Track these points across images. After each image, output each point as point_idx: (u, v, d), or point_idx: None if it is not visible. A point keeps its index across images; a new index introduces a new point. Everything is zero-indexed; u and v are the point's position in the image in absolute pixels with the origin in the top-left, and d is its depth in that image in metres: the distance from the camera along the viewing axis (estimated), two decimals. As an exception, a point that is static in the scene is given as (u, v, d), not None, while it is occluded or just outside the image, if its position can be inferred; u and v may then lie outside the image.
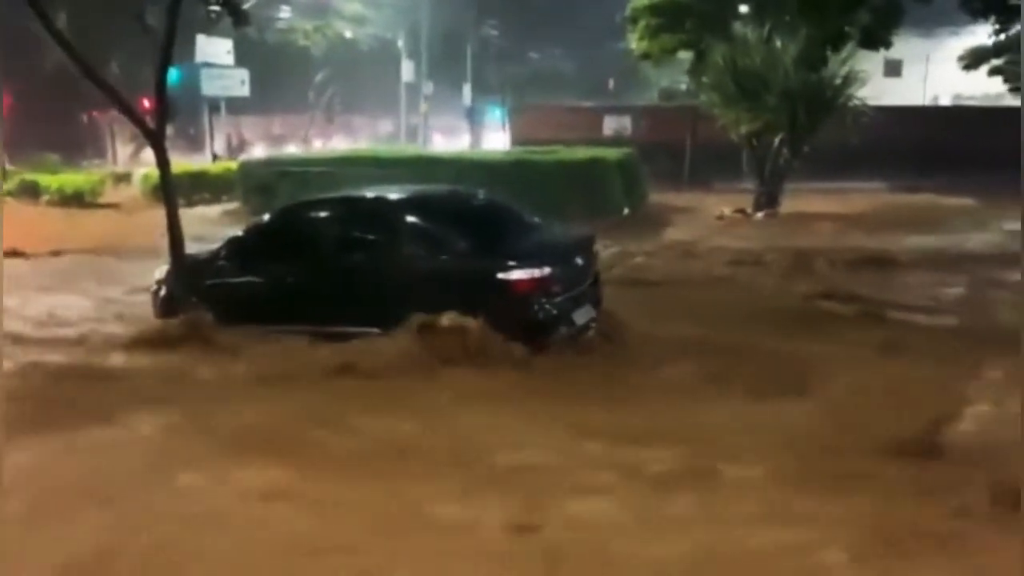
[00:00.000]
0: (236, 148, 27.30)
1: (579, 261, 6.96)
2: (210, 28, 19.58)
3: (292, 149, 31.02)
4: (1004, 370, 5.84)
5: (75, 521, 3.90)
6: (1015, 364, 5.75)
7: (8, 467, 4.24)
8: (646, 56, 19.07)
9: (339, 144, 33.70)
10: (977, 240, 12.51)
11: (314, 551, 3.64)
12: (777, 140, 16.41)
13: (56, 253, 12.15)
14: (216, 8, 10.19)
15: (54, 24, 7.70)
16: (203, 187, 18.84)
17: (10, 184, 19.84)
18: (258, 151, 28.88)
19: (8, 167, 21.38)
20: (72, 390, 5.83)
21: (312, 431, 5.00)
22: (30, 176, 20.09)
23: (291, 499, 4.12)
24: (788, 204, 16.37)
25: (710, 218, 15.93)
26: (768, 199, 16.45)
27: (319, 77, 37.82)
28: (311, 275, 6.93)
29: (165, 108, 8.20)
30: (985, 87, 20.32)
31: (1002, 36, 19.49)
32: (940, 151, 20.25)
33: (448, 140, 36.76)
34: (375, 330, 6.48)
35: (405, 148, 25.82)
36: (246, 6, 11.80)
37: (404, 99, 36.91)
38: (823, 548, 3.54)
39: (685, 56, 18.94)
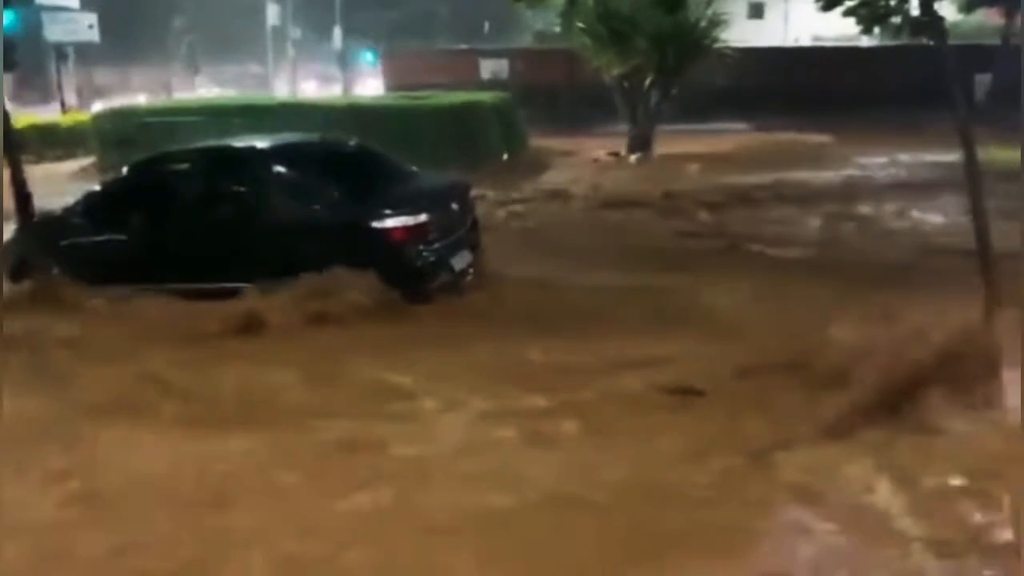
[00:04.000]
0: (88, 98, 25.50)
1: (455, 207, 6.94)
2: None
3: (152, 99, 29.27)
4: (856, 297, 6.22)
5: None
6: (866, 292, 6.15)
7: None
8: (519, -2, 18.91)
9: (204, 93, 32.06)
10: (834, 176, 13.20)
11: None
12: (647, 83, 16.70)
13: None
14: None
15: None
16: (54, 142, 17.58)
17: None
18: (116, 102, 27.10)
19: None
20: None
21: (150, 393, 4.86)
22: None
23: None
24: (660, 146, 16.77)
25: (587, 161, 16.14)
26: (641, 141, 16.79)
27: (177, 22, 35.67)
28: (177, 231, 6.65)
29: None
30: (841, 28, 21.29)
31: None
32: (801, 91, 21.15)
33: (319, 87, 35.56)
34: (247, 286, 6.28)
35: (273, 96, 24.84)
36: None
37: (271, 45, 35.37)
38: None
39: (558, -2, 18.90)
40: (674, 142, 16.89)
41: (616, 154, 16.53)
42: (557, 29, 27.15)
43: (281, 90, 32.88)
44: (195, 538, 3.36)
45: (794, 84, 21.56)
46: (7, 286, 6.74)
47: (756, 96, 20.52)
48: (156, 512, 3.56)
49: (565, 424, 4.28)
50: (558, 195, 12.30)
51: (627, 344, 5.38)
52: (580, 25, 16.97)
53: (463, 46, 28.17)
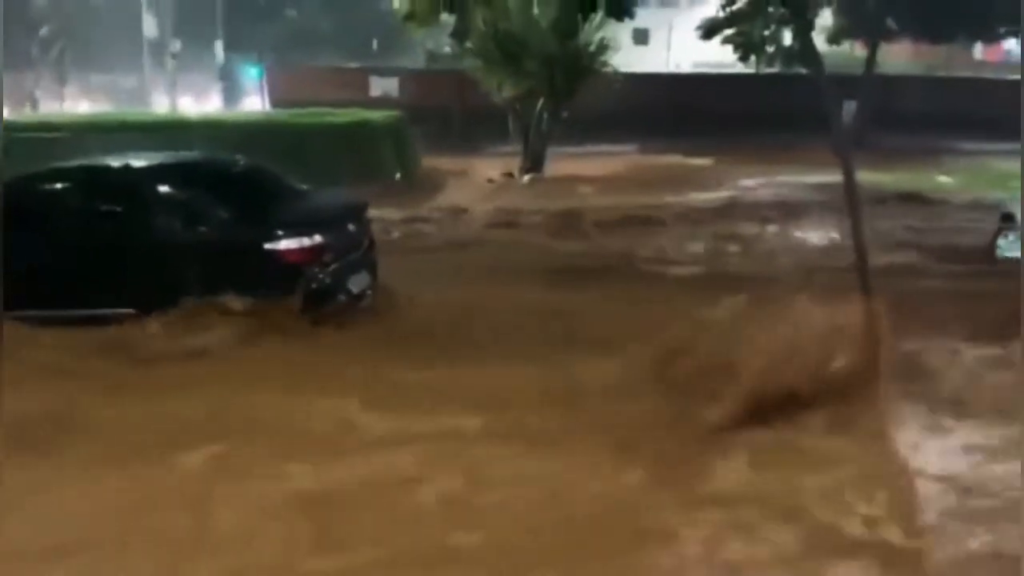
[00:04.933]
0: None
1: (351, 227, 6.81)
2: None
3: (17, 111, 27.55)
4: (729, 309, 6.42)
5: None
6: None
7: None
8: (409, 17, 18.81)
9: (75, 106, 30.45)
10: (716, 196, 13.74)
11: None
12: (539, 105, 16.97)
13: None
14: None
15: None
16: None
17: None
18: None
19: None
20: None
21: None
22: None
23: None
24: (551, 167, 17.05)
25: (480, 182, 16.24)
26: (533, 163, 17.03)
27: (44, 31, 33.77)
28: (54, 254, 6.23)
29: None
30: (721, 56, 22.25)
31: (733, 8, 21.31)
32: (683, 115, 21.99)
33: (199, 101, 34.34)
34: (131, 311, 5.97)
35: (153, 111, 23.85)
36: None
37: (148, 56, 33.95)
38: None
39: (449, 19, 18.95)
40: (564, 163, 17.22)
41: (509, 174, 16.69)
42: (448, 50, 27.31)
43: (157, 104, 31.61)
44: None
45: (677, 108, 22.39)
46: None
47: (641, 119, 21.18)
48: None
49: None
50: (454, 214, 12.31)
51: (505, 364, 5.41)
52: (471, 47, 17.10)
53: (353, 64, 27.86)
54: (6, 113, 24.14)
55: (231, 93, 34.64)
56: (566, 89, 16.56)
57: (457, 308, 6.78)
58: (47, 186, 6.72)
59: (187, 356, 5.57)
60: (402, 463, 4.13)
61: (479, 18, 16.54)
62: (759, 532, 3.46)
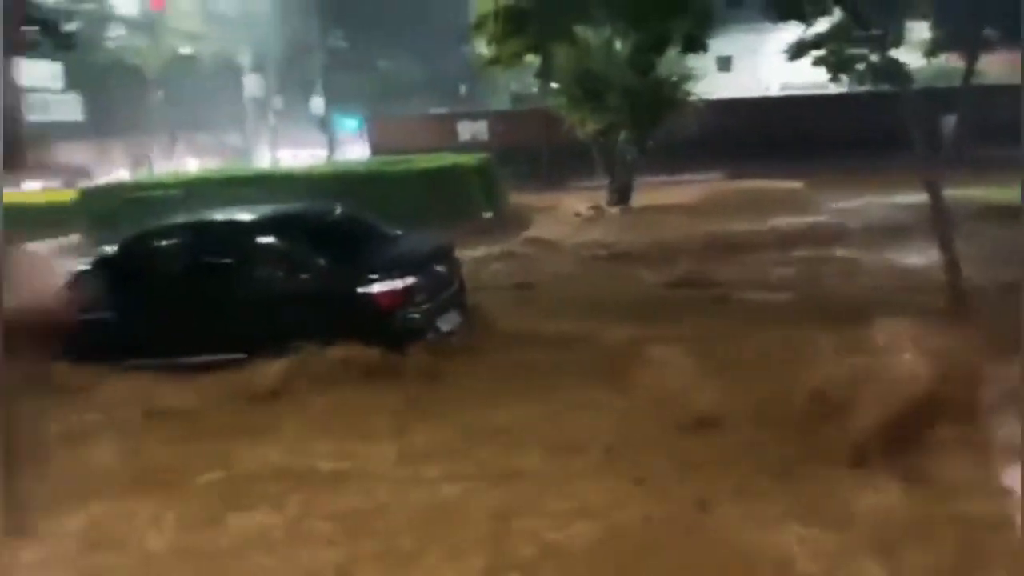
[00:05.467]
0: (74, 175, 25.55)
1: (441, 268, 7.07)
2: (31, 52, 18.41)
3: (132, 174, 29.47)
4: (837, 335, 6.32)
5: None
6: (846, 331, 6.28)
7: None
8: (495, 61, 19.32)
9: (185, 165, 32.34)
10: (806, 220, 13.46)
11: None
12: (622, 137, 17.10)
13: None
14: (35, 29, 9.67)
15: None
16: (31, 221, 17.59)
17: None
18: (99, 178, 27.26)
19: None
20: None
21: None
22: None
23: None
24: (638, 198, 17.07)
25: (569, 216, 16.39)
26: (620, 194, 17.11)
27: (158, 96, 36.14)
28: (165, 305, 6.72)
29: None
30: (811, 76, 21.83)
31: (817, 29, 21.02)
32: (771, 139, 21.66)
33: (301, 154, 35.95)
34: (240, 356, 6.36)
35: (256, 166, 25.13)
36: (70, 28, 11.19)
37: (250, 114, 35.87)
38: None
39: (533, 60, 19.36)
40: (652, 193, 17.21)
41: (597, 208, 16.80)
42: (534, 89, 27.79)
43: (261, 159, 33.25)
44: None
45: (764, 132, 22.08)
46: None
47: (728, 145, 20.98)
48: None
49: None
50: (543, 248, 12.49)
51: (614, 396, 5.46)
52: (555, 85, 17.41)
53: (443, 110, 28.72)
54: (128, 175, 25.85)
55: (331, 144, 36.14)
56: (649, 121, 16.63)
57: (554, 341, 6.86)
58: (160, 242, 7.25)
59: (283, 397, 5.87)
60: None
61: (562, 57, 16.91)
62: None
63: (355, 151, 30.85)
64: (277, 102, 35.50)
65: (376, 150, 24.59)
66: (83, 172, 27.26)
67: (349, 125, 34.81)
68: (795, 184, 17.72)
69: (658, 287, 9.43)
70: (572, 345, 6.78)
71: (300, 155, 34.80)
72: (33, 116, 20.59)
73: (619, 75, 15.70)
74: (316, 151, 35.42)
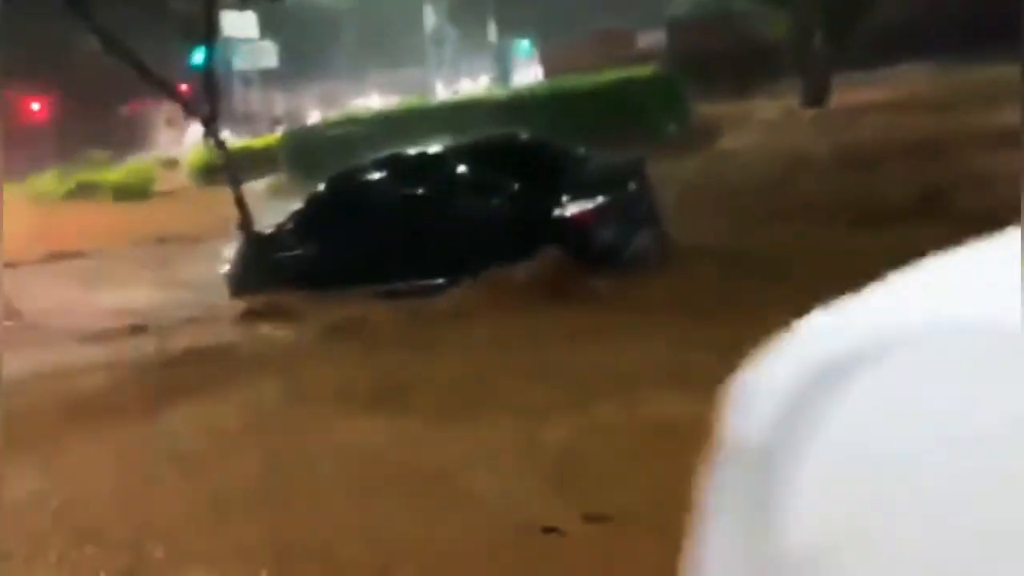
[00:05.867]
0: (268, 124, 27.32)
1: (632, 186, 6.96)
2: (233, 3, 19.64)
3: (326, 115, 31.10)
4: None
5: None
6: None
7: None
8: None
9: (371, 102, 33.65)
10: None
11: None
12: (817, 35, 15.88)
13: (115, 247, 12.56)
14: None
15: (96, 21, 7.78)
16: (249, 163, 19.12)
17: (68, 186, 20.62)
18: (294, 122, 29.02)
19: (61, 169, 22.18)
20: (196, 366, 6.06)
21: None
22: (83, 175, 20.76)
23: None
24: (836, 98, 15.90)
25: (759, 123, 15.57)
26: (815, 97, 16.01)
27: (342, 37, 37.63)
28: (374, 236, 7.08)
29: (216, 90, 8.35)
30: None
31: None
32: (990, 21, 19.31)
33: (476, 83, 36.40)
34: (440, 281, 6.65)
35: (436, 98, 25.71)
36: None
37: (429, 47, 36.58)
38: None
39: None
40: (851, 92, 15.94)
41: (790, 112, 15.85)
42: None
43: (441, 91, 33.95)
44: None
45: (982, 14, 19.71)
46: (238, 298, 7.51)
47: (939, 32, 18.93)
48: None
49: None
50: (736, 160, 11.99)
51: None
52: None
53: (616, 24, 27.88)
54: (324, 114, 27.32)
55: (504, 71, 36.29)
56: (846, 13, 15.31)
57: (752, 258, 6.63)
58: (364, 176, 7.63)
59: (495, 316, 6.04)
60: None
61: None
62: None
63: (529, 75, 30.78)
64: (452, 33, 35.94)
65: (549, 72, 24.36)
66: (278, 119, 29.08)
67: (523, 49, 34.70)
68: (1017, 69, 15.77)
69: (859, 196, 8.77)
70: (768, 260, 6.49)
71: (477, 84, 35.29)
72: (238, 65, 21.99)
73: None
74: (493, 79, 35.72)
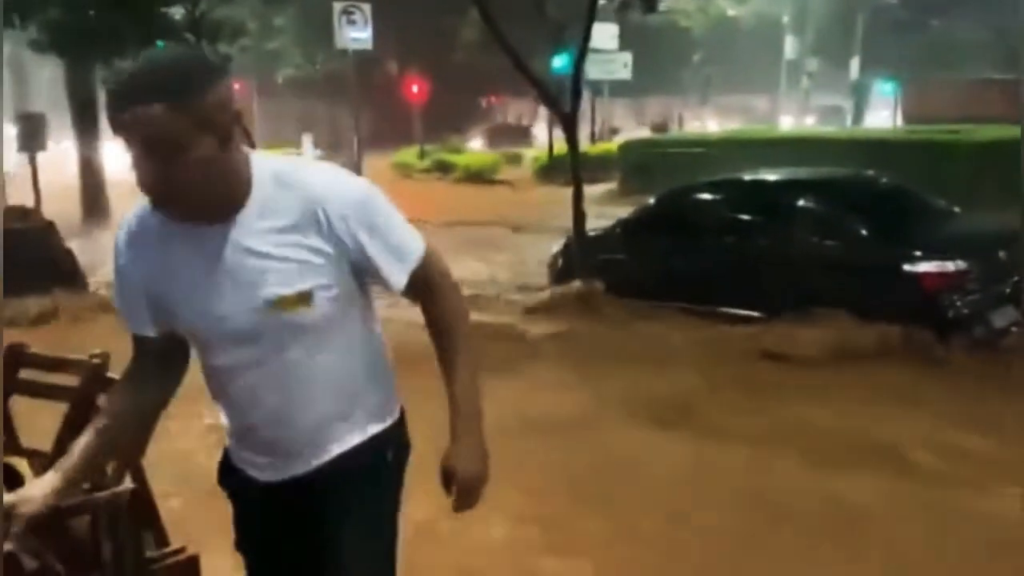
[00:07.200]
0: (604, 132, 28.07)
1: (1000, 256, 6.16)
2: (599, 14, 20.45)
3: (651, 131, 31.36)
4: None
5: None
6: None
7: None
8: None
9: (712, 126, 33.38)
10: None
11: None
12: None
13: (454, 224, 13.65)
14: None
15: (494, 21, 8.46)
16: (585, 167, 19.88)
17: (427, 162, 23.19)
18: (630, 134, 29.66)
19: (425, 147, 24.93)
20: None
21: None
22: (443, 155, 23.23)
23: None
24: None
25: None
26: None
27: (696, 57, 37.73)
28: (696, 255, 6.99)
29: (579, 92, 8.78)
30: None
31: None
32: None
33: (824, 119, 34.56)
34: (756, 314, 6.40)
35: (777, 128, 24.84)
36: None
37: (784, 77, 35.41)
38: None
39: None
40: None
41: None
42: None
43: (783, 123, 32.75)
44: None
45: None
46: (557, 286, 7.86)
47: None
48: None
49: None
50: None
51: None
52: None
53: (999, 76, 24.89)
54: (647, 132, 27.63)
55: (859, 110, 34.11)
56: None
57: None
58: (697, 196, 7.55)
59: (819, 362, 5.68)
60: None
61: None
62: None
63: (880, 118, 28.57)
64: (811, 64, 34.47)
65: (909, 117, 22.42)
66: (616, 129, 29.80)
67: (884, 89, 32.33)
68: None
69: None
70: None
71: (822, 122, 33.54)
72: (593, 74, 22.94)
73: None
74: (841, 119, 33.71)
